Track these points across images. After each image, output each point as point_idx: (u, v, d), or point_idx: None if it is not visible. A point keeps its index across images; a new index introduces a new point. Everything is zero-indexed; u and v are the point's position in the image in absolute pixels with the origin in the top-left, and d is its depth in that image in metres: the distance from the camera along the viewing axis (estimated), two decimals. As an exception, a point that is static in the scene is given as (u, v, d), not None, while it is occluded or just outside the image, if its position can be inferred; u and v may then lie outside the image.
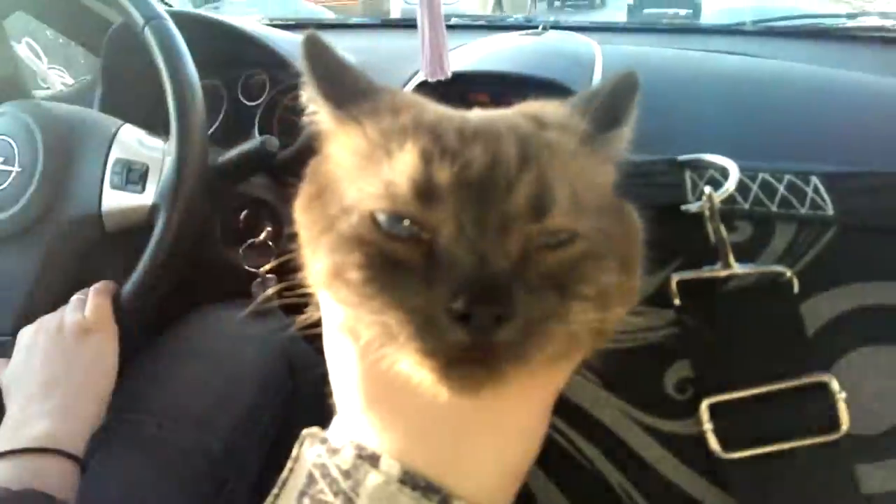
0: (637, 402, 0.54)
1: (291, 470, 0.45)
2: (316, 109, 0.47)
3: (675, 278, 0.54)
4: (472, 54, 1.35)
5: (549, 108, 0.48)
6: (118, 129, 1.14)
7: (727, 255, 0.53)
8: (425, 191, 0.40)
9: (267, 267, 1.20)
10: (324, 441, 0.45)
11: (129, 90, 1.41)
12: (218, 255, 1.26)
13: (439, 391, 0.40)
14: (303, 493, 0.43)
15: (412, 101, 0.46)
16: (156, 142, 1.13)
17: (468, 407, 0.42)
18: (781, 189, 0.56)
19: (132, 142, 1.13)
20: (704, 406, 0.52)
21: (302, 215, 0.47)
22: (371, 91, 0.47)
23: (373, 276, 0.40)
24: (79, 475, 0.86)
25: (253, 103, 1.43)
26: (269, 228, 1.26)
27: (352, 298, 0.41)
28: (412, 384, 0.41)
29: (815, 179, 0.57)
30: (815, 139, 1.01)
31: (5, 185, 1.11)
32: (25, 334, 1.02)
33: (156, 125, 1.17)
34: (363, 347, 0.43)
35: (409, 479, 0.41)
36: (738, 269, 0.53)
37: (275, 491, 0.45)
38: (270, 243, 1.25)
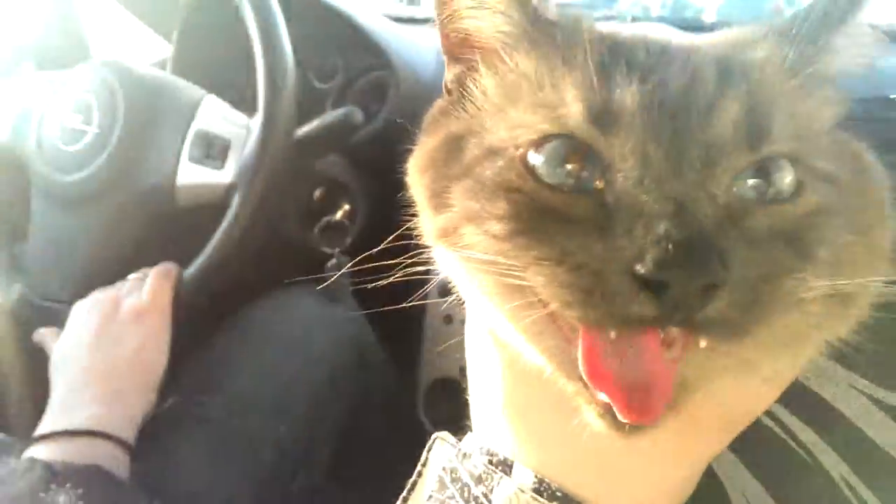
0: (870, 373, 0.44)
1: (420, 473, 0.44)
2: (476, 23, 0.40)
3: None
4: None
5: (746, 32, 0.40)
6: (202, 98, 1.09)
7: None
8: (602, 114, 0.33)
9: (342, 247, 1.16)
10: (455, 445, 0.43)
11: (206, 63, 1.36)
12: (292, 235, 1.21)
13: (594, 422, 0.34)
14: (432, 497, 0.41)
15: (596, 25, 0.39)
16: (240, 117, 1.09)
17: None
18: None
19: (215, 114, 1.08)
20: None
21: (419, 174, 0.42)
22: (553, 18, 0.39)
23: (521, 229, 0.34)
24: (128, 461, 0.85)
25: (325, 86, 1.37)
26: (346, 207, 1.21)
27: (488, 253, 0.35)
28: (554, 393, 0.37)
29: None
30: None
31: (80, 146, 1.06)
32: (80, 310, 0.99)
33: (233, 100, 1.13)
34: (496, 340, 0.40)
35: (546, 489, 0.38)
36: None
37: (403, 494, 0.44)
38: (347, 222, 1.20)
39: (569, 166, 0.34)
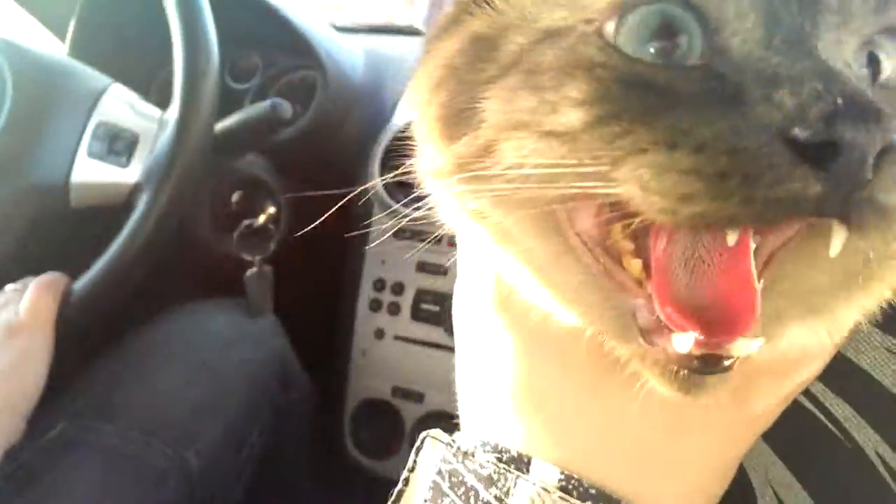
0: None
1: (407, 481, 0.37)
2: None
3: None
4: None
5: None
6: (107, 87, 0.97)
7: None
8: None
9: (264, 255, 1.06)
10: (451, 444, 0.36)
11: (111, 52, 1.23)
12: (206, 241, 1.11)
13: (658, 382, 0.30)
14: None
15: None
16: (152, 109, 0.98)
17: (676, 405, 0.32)
18: None
19: (122, 105, 0.97)
20: None
21: (429, 92, 0.34)
22: None
23: (611, 112, 0.27)
24: None
25: (241, 86, 1.27)
26: (270, 211, 1.11)
27: (551, 160, 0.28)
28: (585, 369, 0.33)
29: None
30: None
31: (-41, 131, 0.92)
32: None
33: (145, 93, 1.02)
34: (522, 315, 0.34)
35: (575, 487, 0.32)
36: None
37: None
38: (271, 227, 1.10)
39: (662, 38, 0.27)
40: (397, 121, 1.10)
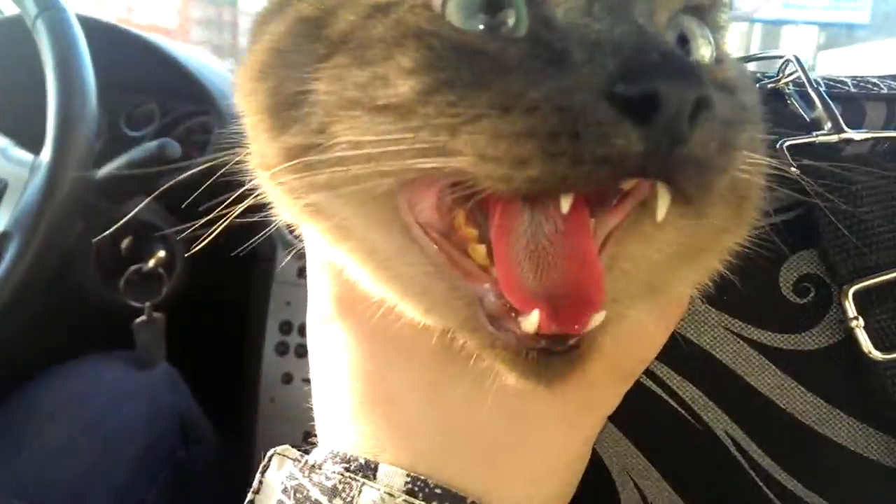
0: (742, 312, 0.40)
1: (252, 503, 0.36)
2: None
3: (784, 144, 0.41)
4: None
5: None
6: (-28, 134, 0.91)
7: (837, 119, 0.42)
8: None
9: (154, 301, 1.00)
10: (298, 459, 0.35)
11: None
12: (91, 289, 1.04)
13: (507, 372, 0.29)
14: None
15: None
16: (24, 154, 0.92)
17: (518, 394, 0.31)
18: (849, 79, 0.47)
19: (-10, 152, 0.91)
20: (850, 295, 0.38)
21: (256, 82, 0.33)
22: None
23: (444, 80, 0.27)
24: None
25: (137, 133, 1.23)
26: (161, 254, 1.05)
27: (389, 135, 0.27)
28: (429, 366, 0.33)
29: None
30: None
31: None
32: None
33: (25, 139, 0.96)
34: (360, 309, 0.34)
35: (421, 488, 0.32)
36: (851, 133, 0.42)
37: None
38: (162, 271, 1.04)
39: (489, 12, 0.28)
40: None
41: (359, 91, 0.28)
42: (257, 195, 0.36)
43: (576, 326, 0.27)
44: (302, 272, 1.04)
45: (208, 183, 0.40)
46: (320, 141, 0.29)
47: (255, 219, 0.40)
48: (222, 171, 0.38)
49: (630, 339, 0.35)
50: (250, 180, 0.36)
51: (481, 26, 0.28)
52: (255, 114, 0.33)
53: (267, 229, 0.41)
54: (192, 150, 1.13)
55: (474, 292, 0.29)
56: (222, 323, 1.12)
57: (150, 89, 1.24)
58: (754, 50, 0.54)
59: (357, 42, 0.29)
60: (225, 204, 0.38)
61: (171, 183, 1.05)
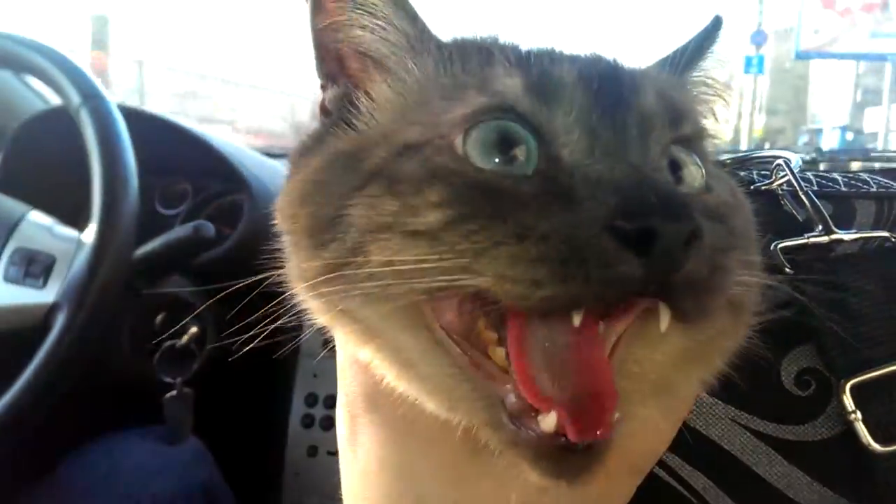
0: (748, 405, 0.42)
1: None
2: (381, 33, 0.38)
3: (777, 246, 0.45)
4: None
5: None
6: (24, 214, 0.98)
7: (826, 221, 0.45)
8: (541, 85, 0.33)
9: (185, 376, 1.03)
10: None
11: (37, 179, 1.23)
12: (124, 366, 1.07)
13: (531, 471, 0.31)
14: None
15: None
16: (69, 231, 0.98)
17: (540, 490, 0.33)
18: (840, 177, 0.51)
19: (39, 230, 0.97)
20: (848, 389, 0.41)
21: (297, 207, 0.37)
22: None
23: (466, 213, 0.30)
24: None
25: (171, 212, 1.29)
26: (193, 330, 1.08)
27: (416, 257, 0.30)
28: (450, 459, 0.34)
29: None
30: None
31: None
32: None
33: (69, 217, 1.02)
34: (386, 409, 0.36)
35: None
36: (841, 234, 0.45)
37: None
38: (194, 347, 1.07)
39: (501, 156, 0.32)
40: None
41: (391, 217, 0.32)
42: (294, 304, 0.39)
43: (598, 431, 0.29)
44: (327, 344, 1.06)
45: (255, 293, 0.43)
46: (355, 258, 0.32)
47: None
48: (267, 282, 0.41)
49: (642, 434, 0.37)
50: (287, 291, 0.39)
51: (497, 160, 0.32)
52: (295, 234, 0.37)
53: (305, 333, 0.43)
54: (224, 228, 1.17)
55: (496, 392, 0.32)
56: (248, 395, 1.13)
57: (182, 170, 1.30)
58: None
59: (389, 175, 0.33)
60: (263, 309, 0.41)
61: (206, 261, 1.10)
